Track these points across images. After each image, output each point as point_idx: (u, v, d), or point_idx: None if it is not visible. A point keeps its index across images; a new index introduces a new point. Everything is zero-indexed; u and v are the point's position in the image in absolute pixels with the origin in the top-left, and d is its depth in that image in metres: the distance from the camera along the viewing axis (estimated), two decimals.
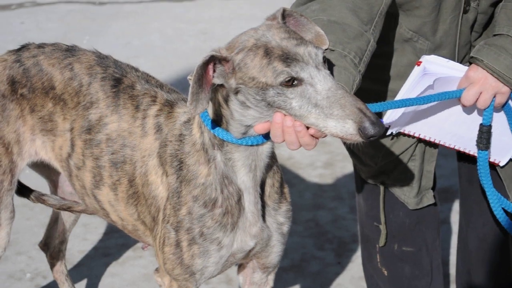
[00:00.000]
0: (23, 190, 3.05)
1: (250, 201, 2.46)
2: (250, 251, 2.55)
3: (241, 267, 2.73)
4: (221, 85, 2.25)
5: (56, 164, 2.85)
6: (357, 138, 2.12)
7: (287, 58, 2.15)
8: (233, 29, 6.18)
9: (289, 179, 4.49)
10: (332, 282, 3.76)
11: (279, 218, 2.56)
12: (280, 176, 2.55)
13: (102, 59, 2.79)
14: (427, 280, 3.12)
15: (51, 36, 6.16)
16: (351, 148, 3.00)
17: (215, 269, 2.52)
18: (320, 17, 2.43)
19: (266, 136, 2.32)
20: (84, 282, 3.75)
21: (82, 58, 2.79)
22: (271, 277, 2.71)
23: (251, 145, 2.34)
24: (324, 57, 2.19)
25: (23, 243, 3.99)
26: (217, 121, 2.34)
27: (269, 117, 2.22)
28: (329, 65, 2.32)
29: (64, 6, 7.08)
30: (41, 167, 3.08)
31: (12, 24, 6.79)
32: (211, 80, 2.21)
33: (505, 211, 2.82)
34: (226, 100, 2.27)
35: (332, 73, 2.31)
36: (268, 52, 2.16)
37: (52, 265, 3.46)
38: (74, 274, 3.73)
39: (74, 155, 2.74)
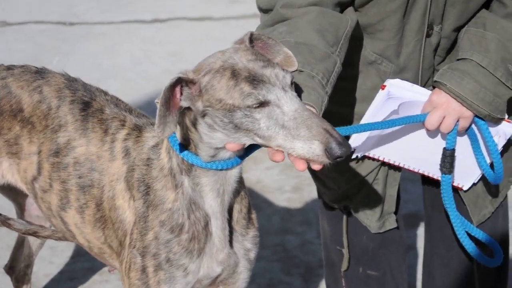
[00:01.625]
0: None
1: (217, 227, 2.45)
2: (216, 277, 2.54)
3: None
4: (189, 108, 2.25)
5: (22, 187, 2.83)
6: (323, 159, 2.13)
7: (254, 80, 2.15)
8: (203, 51, 6.05)
9: (258, 203, 4.49)
10: None
11: (246, 244, 2.56)
12: (247, 202, 2.55)
13: (71, 82, 2.78)
14: None
15: (20, 56, 6.13)
16: (315, 172, 3.01)
17: None
18: (287, 39, 2.45)
19: (241, 156, 2.33)
20: None
21: (51, 81, 2.78)
22: None
23: (220, 170, 2.34)
24: (291, 80, 2.20)
25: None
26: (185, 145, 2.33)
27: (237, 139, 2.22)
28: (297, 88, 2.33)
29: (34, 26, 7.05)
30: (8, 190, 3.06)
31: None
32: (178, 103, 2.21)
33: (469, 235, 2.83)
34: (194, 124, 2.27)
35: (300, 95, 2.32)
36: (235, 74, 2.17)
37: None
38: None
39: (40, 178, 2.72)
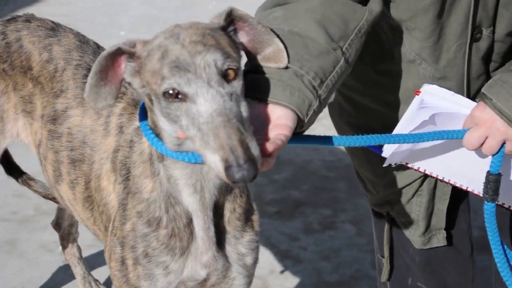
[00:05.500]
0: (14, 171, 2.85)
1: (199, 226, 2.13)
2: (205, 281, 2.23)
3: None
4: None
5: (34, 150, 2.63)
6: (226, 180, 1.74)
7: (177, 66, 1.78)
8: None
9: None
10: None
11: (240, 249, 2.22)
12: (245, 201, 2.20)
13: (82, 44, 2.52)
14: None
15: None
16: (357, 170, 2.63)
17: None
18: (282, 27, 2.02)
19: None
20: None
21: (63, 41, 2.54)
22: None
23: (189, 162, 1.97)
24: (237, 70, 1.80)
25: None
26: (154, 129, 1.99)
27: (180, 130, 1.85)
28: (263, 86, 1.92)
29: None
30: None
31: None
32: (122, 74, 1.89)
33: None
34: (152, 103, 1.92)
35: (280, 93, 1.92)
36: (164, 56, 1.81)
37: (63, 247, 3.28)
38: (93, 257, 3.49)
39: (42, 145, 2.51)
